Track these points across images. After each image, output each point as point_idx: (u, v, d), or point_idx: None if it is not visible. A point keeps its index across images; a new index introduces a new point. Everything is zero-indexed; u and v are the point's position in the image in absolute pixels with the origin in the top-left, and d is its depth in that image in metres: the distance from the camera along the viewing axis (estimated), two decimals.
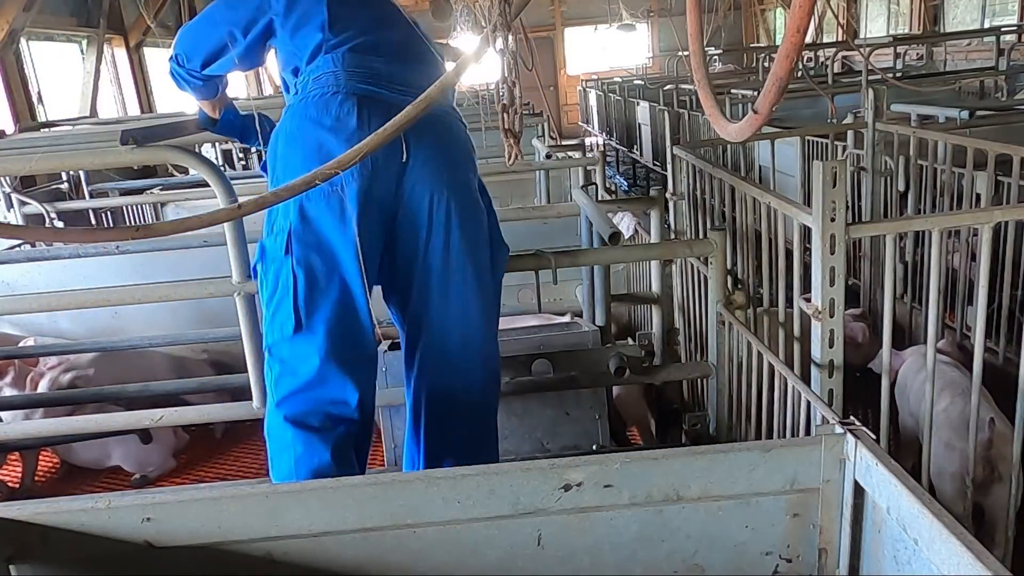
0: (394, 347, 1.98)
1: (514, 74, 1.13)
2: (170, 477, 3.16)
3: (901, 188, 3.57)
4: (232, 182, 2.10)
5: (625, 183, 10.55)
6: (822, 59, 9.56)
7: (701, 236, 3.23)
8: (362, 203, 1.68)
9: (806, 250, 1.98)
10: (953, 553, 0.88)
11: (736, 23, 17.09)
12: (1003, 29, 7.61)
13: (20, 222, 4.48)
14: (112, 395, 2.83)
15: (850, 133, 3.99)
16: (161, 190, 4.75)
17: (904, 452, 2.54)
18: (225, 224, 1.99)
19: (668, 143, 3.84)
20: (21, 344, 3.14)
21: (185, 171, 5.47)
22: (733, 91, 7.01)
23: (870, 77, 4.57)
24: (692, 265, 2.64)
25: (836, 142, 4.12)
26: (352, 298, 1.71)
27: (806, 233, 1.94)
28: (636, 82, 10.98)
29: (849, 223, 1.77)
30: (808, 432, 1.58)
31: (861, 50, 5.13)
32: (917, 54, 10.29)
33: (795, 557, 1.21)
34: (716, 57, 11.83)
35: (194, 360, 3.19)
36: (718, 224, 3.08)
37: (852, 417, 1.19)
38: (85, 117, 7.67)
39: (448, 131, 1.84)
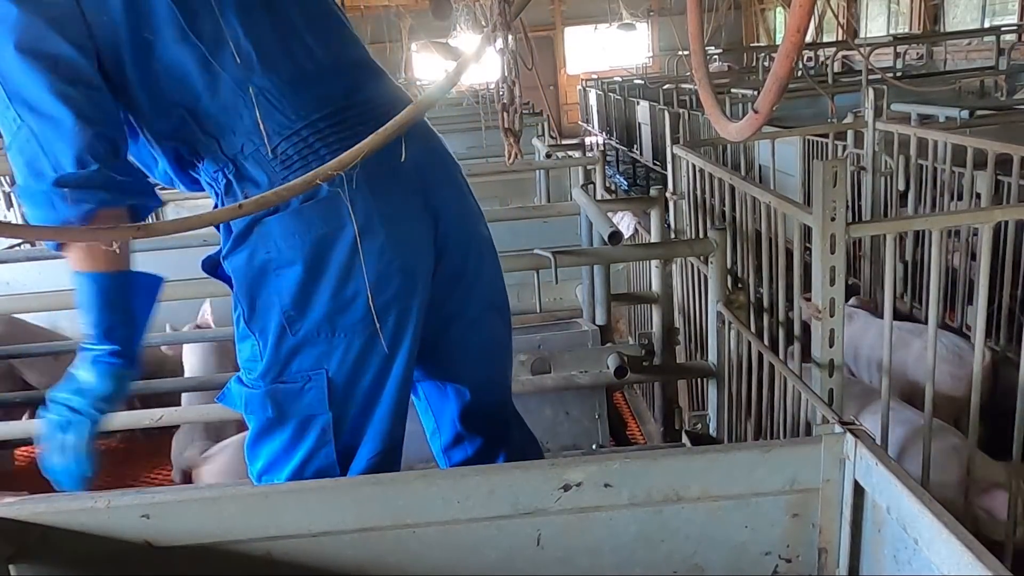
0: None
1: (514, 73, 1.13)
2: (170, 477, 3.15)
3: (901, 188, 3.57)
4: None
5: (625, 182, 10.56)
6: (822, 59, 9.56)
7: (701, 236, 3.22)
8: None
9: (806, 250, 1.98)
10: (953, 553, 0.88)
11: (736, 22, 17.09)
12: (1003, 29, 7.62)
13: (20, 221, 4.47)
14: None
15: (850, 133, 3.99)
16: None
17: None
18: None
19: (668, 143, 3.84)
20: None
21: None
22: (733, 91, 7.02)
23: (870, 77, 4.58)
24: (692, 265, 2.64)
25: (836, 142, 4.12)
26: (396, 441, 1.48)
27: (806, 233, 1.94)
28: (636, 82, 10.99)
29: (849, 223, 1.77)
30: (808, 432, 1.58)
31: (861, 50, 5.14)
32: (917, 54, 10.30)
33: (795, 557, 1.20)
34: (716, 56, 11.84)
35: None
36: (718, 224, 3.08)
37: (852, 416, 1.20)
38: None
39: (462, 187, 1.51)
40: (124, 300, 1.31)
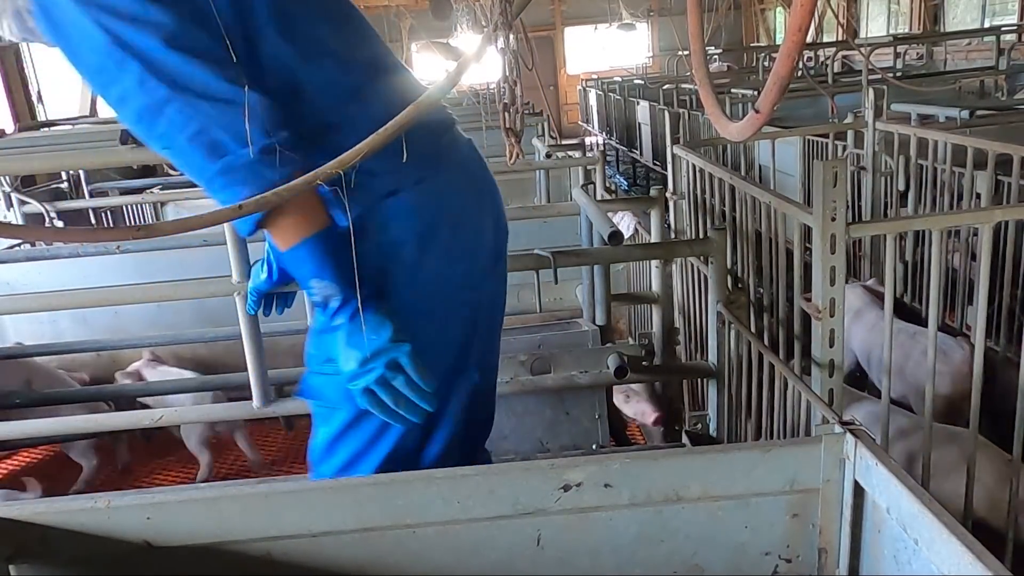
0: None
1: (515, 73, 1.13)
2: (169, 477, 3.16)
3: (901, 188, 3.57)
4: None
5: (625, 183, 10.57)
6: (822, 59, 9.56)
7: (701, 236, 3.22)
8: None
9: (806, 250, 1.98)
10: (953, 553, 0.88)
11: (736, 22, 17.10)
12: (1003, 29, 7.62)
13: (20, 221, 4.48)
14: (111, 394, 2.83)
15: (850, 133, 4.00)
16: (161, 190, 4.75)
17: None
18: (225, 224, 1.99)
19: (668, 143, 3.84)
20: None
21: None
22: (733, 91, 7.02)
23: (870, 77, 4.58)
24: (692, 265, 2.64)
25: (836, 142, 4.12)
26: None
27: (806, 233, 1.94)
28: (636, 82, 10.99)
29: (849, 223, 1.77)
30: (808, 432, 1.58)
31: (861, 50, 5.13)
32: (917, 54, 10.30)
33: (795, 557, 1.20)
34: (716, 56, 11.84)
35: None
36: (718, 224, 3.08)
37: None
38: (85, 116, 7.66)
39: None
40: (346, 247, 1.29)
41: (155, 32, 1.16)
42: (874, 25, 13.45)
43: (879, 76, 4.93)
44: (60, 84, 8.42)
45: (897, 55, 8.42)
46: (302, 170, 1.21)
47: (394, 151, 1.29)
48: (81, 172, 5.17)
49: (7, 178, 4.55)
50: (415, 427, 1.39)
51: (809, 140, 4.43)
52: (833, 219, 1.75)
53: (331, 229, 1.28)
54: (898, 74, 7.07)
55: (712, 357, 2.11)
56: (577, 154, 4.11)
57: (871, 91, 3.69)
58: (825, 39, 13.21)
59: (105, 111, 9.08)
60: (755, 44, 15.58)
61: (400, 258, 1.35)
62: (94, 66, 1.20)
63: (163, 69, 1.17)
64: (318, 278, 1.25)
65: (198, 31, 1.20)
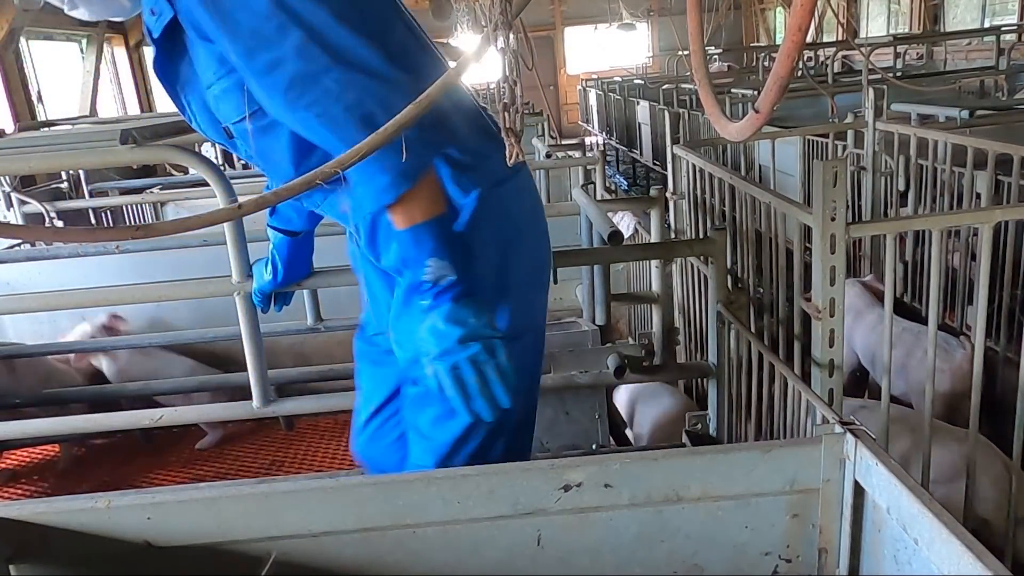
0: None
1: (515, 73, 1.13)
2: (170, 476, 3.16)
3: (901, 188, 3.57)
4: (232, 182, 2.09)
5: (625, 183, 10.57)
6: (822, 58, 9.57)
7: (701, 236, 3.23)
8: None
9: (806, 249, 1.98)
10: (953, 553, 0.88)
11: (736, 23, 17.10)
12: (1003, 29, 7.62)
13: (20, 221, 4.48)
14: (111, 394, 2.83)
15: (850, 132, 3.99)
16: (161, 190, 4.75)
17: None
18: (225, 224, 1.99)
19: (668, 142, 3.84)
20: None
21: (185, 171, 5.47)
22: (733, 91, 7.02)
23: (870, 76, 4.57)
24: (692, 265, 2.64)
25: (836, 141, 4.12)
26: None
27: (806, 232, 1.94)
28: (636, 81, 10.99)
29: (849, 222, 1.77)
30: (808, 432, 1.58)
31: (861, 49, 5.13)
32: (917, 54, 10.31)
33: (795, 557, 1.20)
34: (715, 56, 11.85)
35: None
36: (718, 224, 3.08)
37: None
38: (85, 116, 7.65)
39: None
40: (460, 235, 1.34)
41: (322, 2, 1.19)
42: (874, 25, 13.46)
43: (879, 76, 4.93)
44: (60, 84, 8.42)
45: (897, 55, 8.42)
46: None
47: (493, 136, 1.40)
48: (81, 172, 5.16)
49: (7, 178, 4.55)
50: (524, 407, 1.50)
51: (809, 140, 4.43)
52: (833, 219, 1.75)
53: (448, 215, 1.31)
54: (898, 74, 7.07)
55: (712, 357, 2.11)
56: (577, 154, 4.10)
57: (871, 91, 3.69)
58: (825, 39, 13.22)
59: (105, 111, 9.08)
60: (755, 44, 15.58)
61: (519, 242, 1.43)
62: (248, 29, 1.19)
63: (327, 39, 1.18)
64: (437, 257, 1.27)
65: (356, 9, 1.23)
